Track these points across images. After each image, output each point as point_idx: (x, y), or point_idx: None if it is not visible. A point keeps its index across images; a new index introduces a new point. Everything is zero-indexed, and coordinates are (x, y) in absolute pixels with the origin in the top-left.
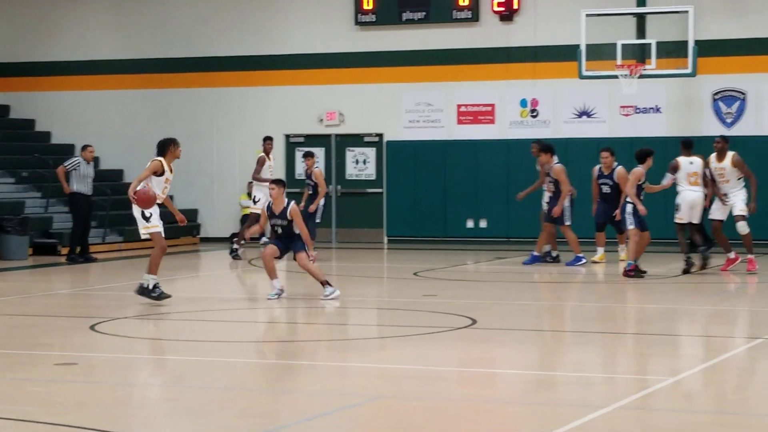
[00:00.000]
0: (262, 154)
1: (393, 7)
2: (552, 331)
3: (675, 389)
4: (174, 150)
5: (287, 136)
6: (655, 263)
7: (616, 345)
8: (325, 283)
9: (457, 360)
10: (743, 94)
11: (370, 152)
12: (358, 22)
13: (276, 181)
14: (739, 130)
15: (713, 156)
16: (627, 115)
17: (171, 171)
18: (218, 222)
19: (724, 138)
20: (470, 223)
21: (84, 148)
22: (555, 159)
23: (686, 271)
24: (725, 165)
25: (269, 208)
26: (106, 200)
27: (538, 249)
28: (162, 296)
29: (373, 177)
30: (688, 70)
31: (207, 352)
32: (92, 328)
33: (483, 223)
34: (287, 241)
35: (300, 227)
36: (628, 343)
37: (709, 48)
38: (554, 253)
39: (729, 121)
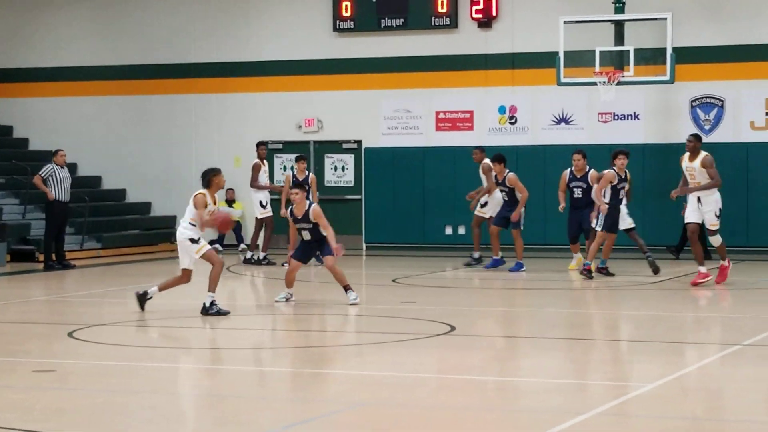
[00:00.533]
0: (257, 160)
1: (371, 14)
2: (530, 337)
3: (653, 395)
4: (217, 180)
5: (266, 143)
6: (629, 269)
7: (593, 351)
8: (347, 288)
9: (436, 367)
10: (721, 101)
11: (349, 159)
12: (336, 29)
13: (297, 185)
14: (717, 137)
15: (686, 155)
16: (605, 121)
17: (215, 202)
18: None
19: (696, 136)
20: (449, 230)
21: (55, 153)
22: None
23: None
24: (695, 165)
25: (292, 213)
26: (84, 207)
27: (495, 253)
28: (220, 312)
29: (352, 184)
30: (666, 77)
31: (185, 359)
32: (70, 335)
33: (461, 230)
34: (315, 246)
35: (324, 227)
36: (606, 349)
37: (687, 55)
38: (476, 255)
39: (707, 128)
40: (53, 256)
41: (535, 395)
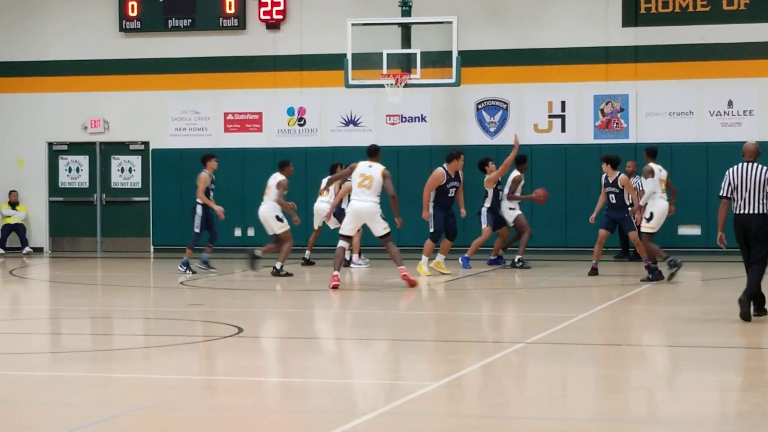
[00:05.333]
0: (283, 178)
1: (158, 14)
2: (319, 338)
3: (438, 394)
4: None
5: (50, 144)
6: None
7: (380, 350)
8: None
9: (223, 369)
10: (506, 103)
11: (136, 160)
12: (122, 29)
13: None
14: (501, 139)
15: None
16: (393, 123)
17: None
18: None
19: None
20: (238, 232)
21: None
22: None
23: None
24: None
25: None
26: None
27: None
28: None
29: (139, 185)
30: (452, 80)
31: None
32: None
33: (251, 232)
34: None
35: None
36: (393, 348)
37: (472, 58)
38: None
39: (492, 130)
40: None
41: (323, 395)
